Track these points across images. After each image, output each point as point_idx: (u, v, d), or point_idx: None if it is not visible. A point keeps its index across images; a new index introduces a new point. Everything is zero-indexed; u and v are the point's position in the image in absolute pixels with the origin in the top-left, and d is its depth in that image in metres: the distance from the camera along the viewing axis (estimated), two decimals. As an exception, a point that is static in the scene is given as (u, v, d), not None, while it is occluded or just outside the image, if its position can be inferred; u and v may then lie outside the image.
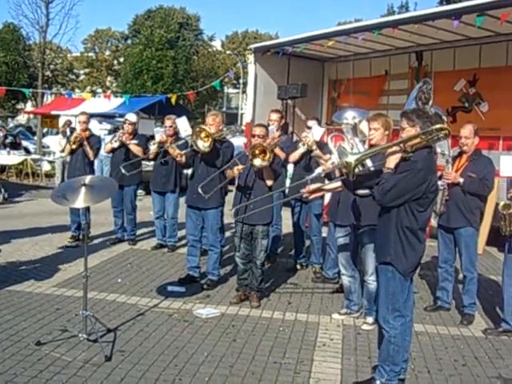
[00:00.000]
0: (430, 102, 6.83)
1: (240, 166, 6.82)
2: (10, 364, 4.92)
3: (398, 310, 4.59)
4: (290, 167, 9.09)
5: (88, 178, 5.58)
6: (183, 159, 7.96)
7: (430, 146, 4.57)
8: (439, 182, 6.52)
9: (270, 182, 6.92)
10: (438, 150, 5.85)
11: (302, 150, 8.16)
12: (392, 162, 4.57)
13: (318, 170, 6.78)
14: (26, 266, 8.18)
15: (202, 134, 7.18)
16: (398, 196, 4.44)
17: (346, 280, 6.72)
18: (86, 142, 9.55)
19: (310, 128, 8.27)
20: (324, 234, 8.68)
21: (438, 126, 4.46)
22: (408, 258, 4.53)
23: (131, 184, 9.83)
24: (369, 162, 5.49)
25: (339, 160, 4.80)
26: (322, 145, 7.69)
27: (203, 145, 7.17)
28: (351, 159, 4.63)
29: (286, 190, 8.24)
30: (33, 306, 6.47)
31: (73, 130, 10.36)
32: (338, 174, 5.68)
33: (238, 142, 13.89)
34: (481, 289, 7.37)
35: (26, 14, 28.38)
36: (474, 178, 6.49)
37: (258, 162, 6.66)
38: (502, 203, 6.00)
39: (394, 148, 4.59)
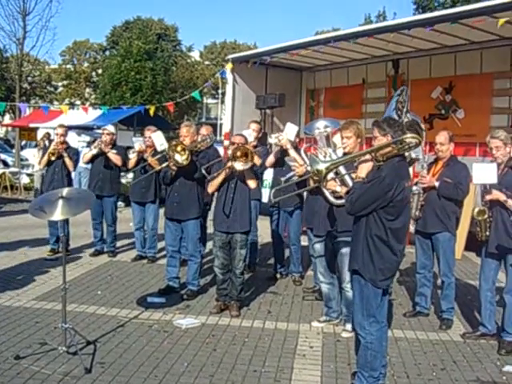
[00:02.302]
0: (404, 109, 6.92)
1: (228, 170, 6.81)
2: (-11, 379, 4.89)
3: (372, 315, 4.62)
4: (269, 176, 9.10)
5: (65, 191, 5.58)
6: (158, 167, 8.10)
7: (401, 154, 4.61)
8: (414, 187, 6.59)
9: (253, 184, 6.92)
10: (413, 155, 5.91)
11: (276, 149, 8.15)
12: (363, 170, 4.61)
13: (291, 174, 6.80)
14: (5, 279, 8.13)
15: (178, 148, 7.20)
16: (364, 205, 4.46)
17: (324, 287, 6.75)
18: (65, 154, 9.54)
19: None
20: (304, 243, 8.71)
21: (408, 134, 4.52)
22: (376, 266, 4.53)
23: (111, 195, 9.82)
24: (342, 170, 5.55)
25: (310, 168, 4.84)
26: (298, 147, 7.74)
27: (181, 158, 7.18)
28: (322, 167, 4.68)
29: (266, 199, 8.26)
30: (12, 320, 6.43)
31: (51, 142, 10.38)
32: (311, 183, 5.70)
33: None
34: (459, 293, 7.44)
35: (2, 26, 28.29)
36: (450, 182, 6.57)
37: (239, 165, 6.61)
38: (476, 209, 6.05)
39: (365, 156, 4.64)
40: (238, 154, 6.63)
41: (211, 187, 7.05)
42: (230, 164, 6.68)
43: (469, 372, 5.45)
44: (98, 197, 9.52)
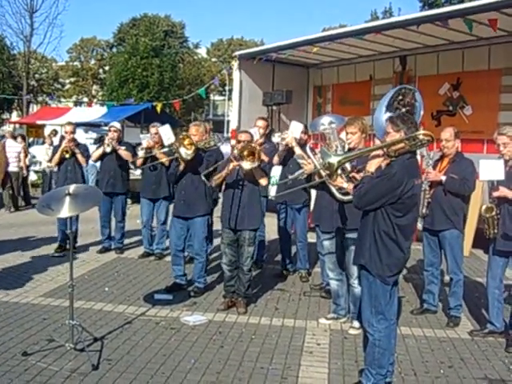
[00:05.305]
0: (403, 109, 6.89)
1: (231, 166, 6.77)
2: (-4, 375, 4.91)
3: (381, 313, 4.60)
4: (276, 173, 9.08)
5: (72, 188, 5.57)
6: (166, 163, 8.37)
7: (412, 151, 4.59)
8: (420, 184, 6.56)
9: (264, 181, 6.91)
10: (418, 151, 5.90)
11: (281, 147, 8.13)
12: (373, 165, 4.59)
13: (300, 171, 6.78)
14: (13, 276, 8.15)
15: (186, 142, 7.16)
16: (373, 200, 4.45)
17: (333, 284, 6.72)
18: (77, 150, 9.56)
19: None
20: (311, 240, 8.70)
21: (422, 131, 4.50)
22: (383, 261, 4.51)
23: (123, 192, 9.84)
24: (348, 166, 5.55)
25: (321, 161, 4.82)
26: (303, 144, 7.72)
27: (186, 152, 7.15)
28: (334, 160, 4.66)
29: (272, 194, 8.24)
30: (19, 317, 6.45)
31: (62, 138, 10.43)
32: (317, 178, 5.70)
33: (226, 148, 13.91)
34: (467, 291, 7.39)
35: (10, 23, 28.47)
36: (456, 178, 6.55)
37: (247, 165, 6.56)
38: (484, 207, 6.04)
39: (377, 151, 4.62)
40: (246, 153, 6.58)
41: (214, 181, 7.03)
42: (236, 163, 6.66)
43: (476, 370, 5.43)
44: (110, 194, 9.55)
